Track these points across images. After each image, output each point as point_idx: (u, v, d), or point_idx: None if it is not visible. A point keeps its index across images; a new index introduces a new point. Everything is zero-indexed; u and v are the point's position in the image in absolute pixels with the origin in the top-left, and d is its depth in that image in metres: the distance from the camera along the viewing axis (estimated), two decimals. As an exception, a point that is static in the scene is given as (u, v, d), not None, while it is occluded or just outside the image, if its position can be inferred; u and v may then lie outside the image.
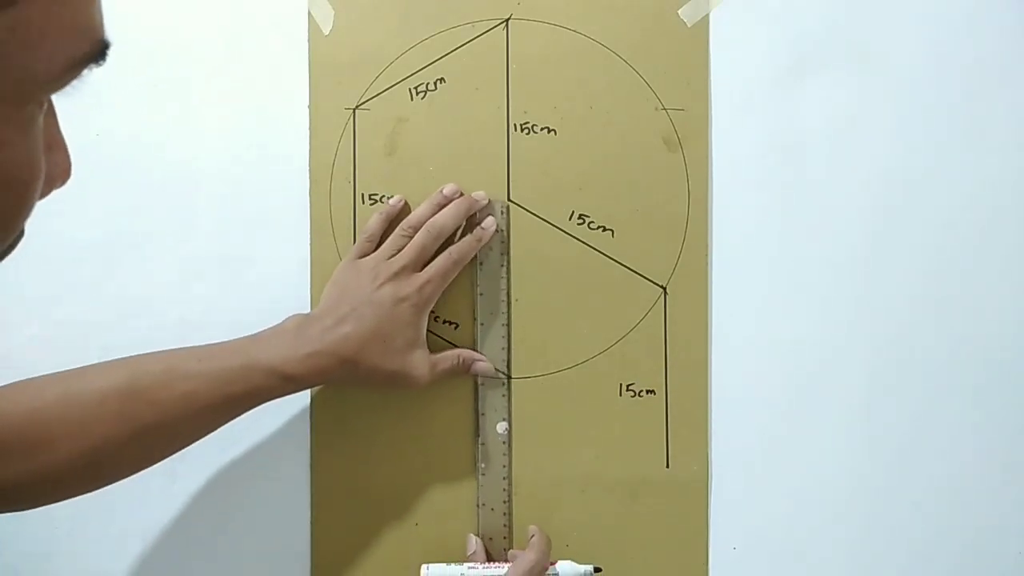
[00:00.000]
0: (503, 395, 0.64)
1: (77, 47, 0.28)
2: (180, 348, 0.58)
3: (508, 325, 0.65)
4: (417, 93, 0.65)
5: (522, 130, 0.65)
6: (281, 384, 0.57)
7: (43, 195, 0.32)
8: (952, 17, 0.66)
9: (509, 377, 0.65)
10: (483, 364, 0.64)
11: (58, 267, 0.64)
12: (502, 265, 0.64)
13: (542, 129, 0.65)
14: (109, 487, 0.57)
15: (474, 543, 0.63)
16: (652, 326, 0.65)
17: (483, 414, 0.64)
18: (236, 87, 0.65)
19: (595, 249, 0.65)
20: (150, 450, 0.57)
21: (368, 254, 0.62)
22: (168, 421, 0.55)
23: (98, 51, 0.29)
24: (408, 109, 0.64)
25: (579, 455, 0.65)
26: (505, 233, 0.65)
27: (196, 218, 0.65)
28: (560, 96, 0.65)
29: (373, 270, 0.60)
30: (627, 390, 0.65)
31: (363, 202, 0.64)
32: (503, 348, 0.64)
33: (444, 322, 0.65)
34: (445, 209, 0.62)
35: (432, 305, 0.62)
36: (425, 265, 0.61)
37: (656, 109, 0.65)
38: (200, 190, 0.64)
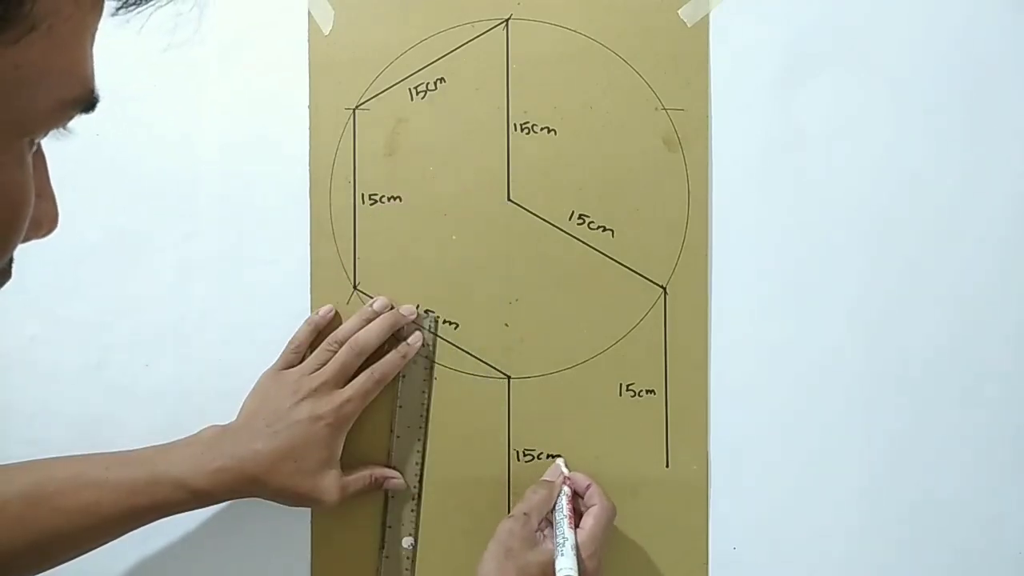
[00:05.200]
0: (412, 510, 0.63)
1: (69, 91, 0.31)
2: (89, 454, 0.57)
3: (424, 440, 0.64)
4: (417, 93, 0.65)
5: (522, 130, 0.65)
6: (188, 498, 0.56)
7: (27, 238, 0.33)
8: (951, 17, 0.66)
9: (509, 377, 0.65)
10: (396, 481, 0.63)
11: (58, 267, 0.64)
12: (425, 380, 0.64)
13: (542, 129, 0.65)
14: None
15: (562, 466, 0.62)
16: (652, 326, 0.65)
17: (390, 527, 0.63)
18: (236, 87, 0.65)
19: (595, 249, 0.65)
20: (49, 556, 0.55)
21: (293, 365, 0.62)
22: (70, 530, 0.54)
23: (87, 99, 0.32)
24: (408, 109, 0.64)
25: (579, 455, 0.65)
26: (431, 347, 0.64)
27: (196, 218, 0.65)
28: (560, 96, 0.65)
29: (294, 384, 0.60)
30: (627, 390, 0.65)
31: (363, 202, 0.64)
32: (417, 463, 0.64)
33: (444, 322, 0.65)
34: (370, 325, 0.62)
35: (350, 424, 0.61)
36: (347, 381, 0.61)
37: (656, 109, 0.65)
38: (200, 190, 0.65)
